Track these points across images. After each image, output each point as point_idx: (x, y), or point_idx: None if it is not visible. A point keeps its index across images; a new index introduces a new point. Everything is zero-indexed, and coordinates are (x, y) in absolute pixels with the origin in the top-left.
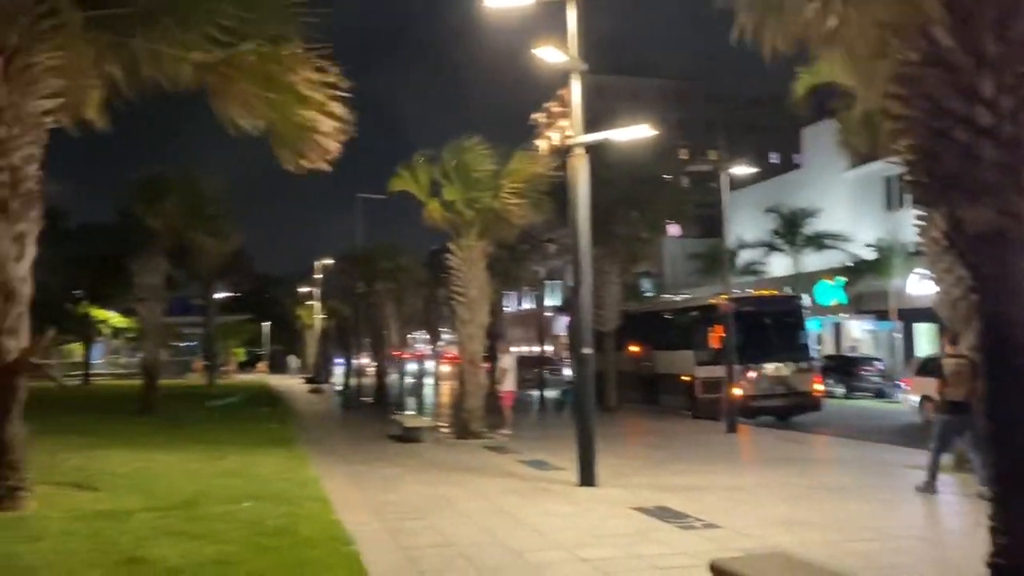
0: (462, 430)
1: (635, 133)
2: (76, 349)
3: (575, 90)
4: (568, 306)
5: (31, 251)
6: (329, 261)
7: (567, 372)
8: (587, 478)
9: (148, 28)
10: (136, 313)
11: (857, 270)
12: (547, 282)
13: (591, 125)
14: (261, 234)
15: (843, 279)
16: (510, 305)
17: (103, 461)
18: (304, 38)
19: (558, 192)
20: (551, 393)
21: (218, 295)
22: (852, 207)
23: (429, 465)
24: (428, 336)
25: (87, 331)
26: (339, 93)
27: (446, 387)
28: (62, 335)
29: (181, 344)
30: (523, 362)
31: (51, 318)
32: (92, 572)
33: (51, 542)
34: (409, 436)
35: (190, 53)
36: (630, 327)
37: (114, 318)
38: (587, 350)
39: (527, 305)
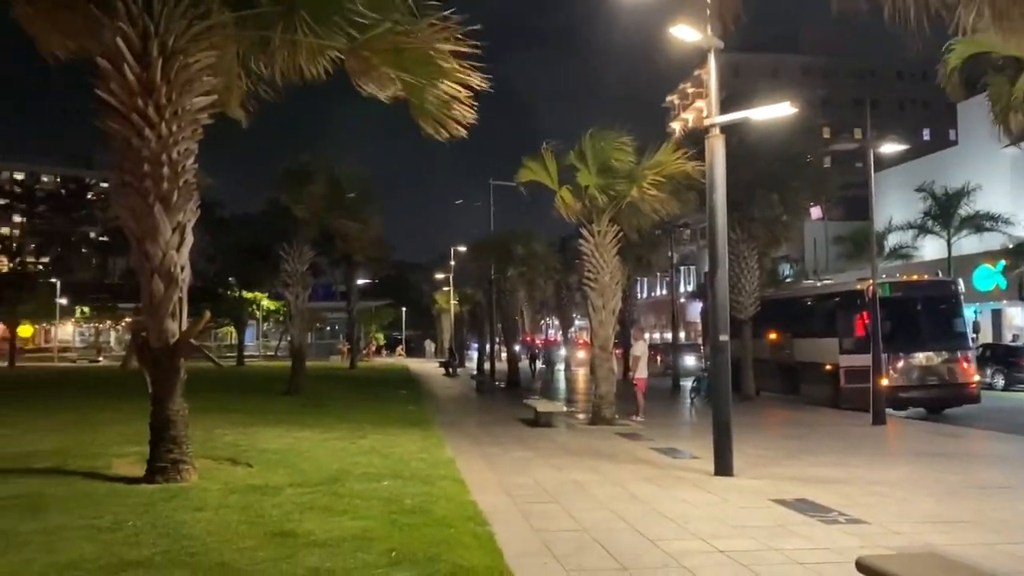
0: (594, 416)
1: (775, 111)
2: (230, 332)
3: (712, 69)
4: (703, 292)
5: (189, 239)
6: (463, 248)
7: (701, 360)
8: (723, 467)
9: (288, 21)
10: (283, 298)
11: (1020, 253)
12: (680, 268)
13: (728, 105)
14: (399, 222)
15: (1004, 263)
16: (642, 291)
17: (254, 438)
18: (436, 16)
19: (699, 185)
20: (685, 381)
21: (359, 281)
22: (1014, 185)
23: (561, 450)
24: (559, 322)
25: (240, 315)
26: (473, 63)
27: (578, 373)
28: (217, 318)
29: (325, 328)
30: (656, 349)
31: (207, 302)
32: (246, 542)
33: (210, 513)
34: (541, 421)
35: (328, 41)
36: (769, 313)
37: (264, 302)
38: (724, 337)
39: (659, 291)
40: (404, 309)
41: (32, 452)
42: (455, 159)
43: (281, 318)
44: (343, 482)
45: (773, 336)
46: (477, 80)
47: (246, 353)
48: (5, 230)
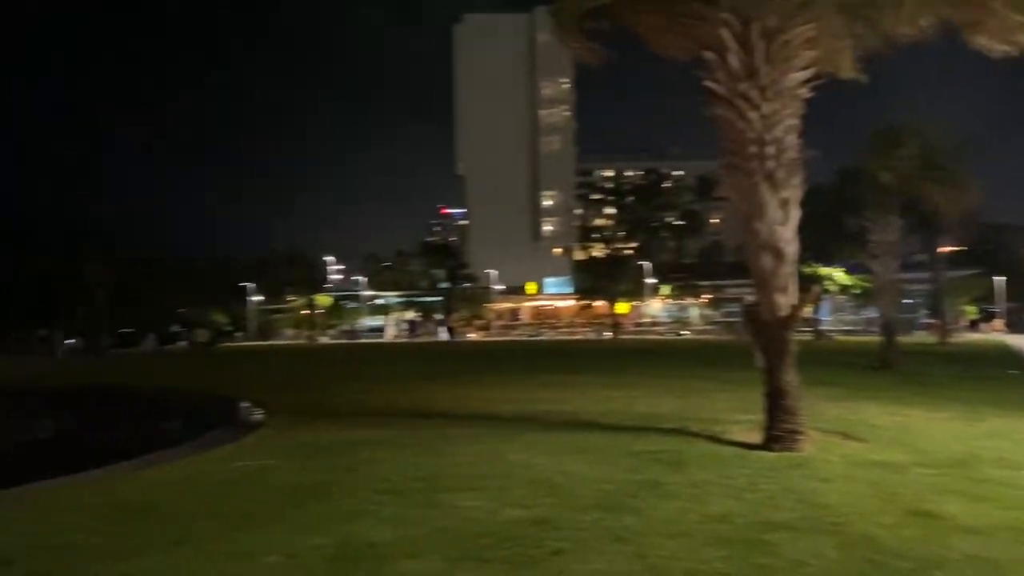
0: None
1: None
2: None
3: None
4: None
5: (795, 214)
6: None
7: None
8: None
9: None
10: (869, 270)
11: None
12: None
13: None
14: (990, 178)
15: None
16: None
17: (858, 412)
18: None
19: None
20: None
21: (942, 249)
22: None
23: None
24: None
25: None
26: None
27: None
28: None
29: (904, 301)
30: None
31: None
32: (885, 518)
33: (838, 484)
34: None
35: None
36: None
37: (838, 275)
38: None
39: None
40: (1001, 278)
41: (655, 414)
42: None
43: (858, 292)
44: (974, 466)
45: None
46: None
47: (824, 328)
48: (601, 221)
